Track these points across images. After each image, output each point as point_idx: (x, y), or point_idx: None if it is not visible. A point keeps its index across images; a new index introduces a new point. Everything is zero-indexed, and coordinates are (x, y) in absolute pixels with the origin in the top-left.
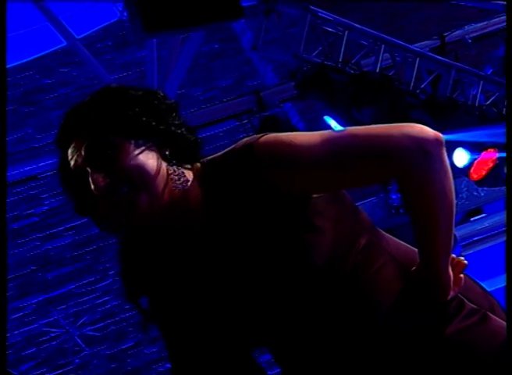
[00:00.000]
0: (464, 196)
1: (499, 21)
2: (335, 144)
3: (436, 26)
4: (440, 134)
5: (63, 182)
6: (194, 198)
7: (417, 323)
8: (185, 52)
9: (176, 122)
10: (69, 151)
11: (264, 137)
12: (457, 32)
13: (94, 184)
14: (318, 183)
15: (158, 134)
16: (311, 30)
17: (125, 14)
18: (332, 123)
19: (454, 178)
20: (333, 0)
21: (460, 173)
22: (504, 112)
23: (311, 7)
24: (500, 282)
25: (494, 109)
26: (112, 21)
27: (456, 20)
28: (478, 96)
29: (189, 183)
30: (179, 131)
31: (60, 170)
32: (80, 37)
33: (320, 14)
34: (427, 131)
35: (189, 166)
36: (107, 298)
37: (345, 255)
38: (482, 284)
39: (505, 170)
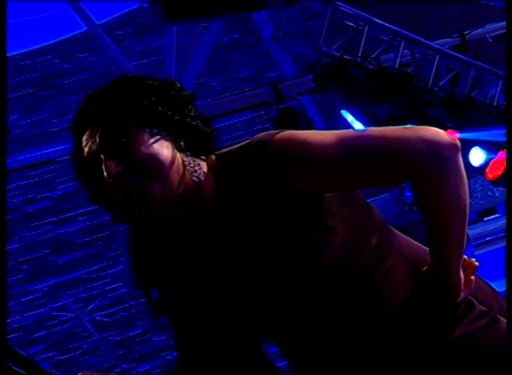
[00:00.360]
0: (479, 195)
1: None
2: (349, 145)
3: (457, 24)
4: (456, 139)
5: (76, 169)
6: (207, 191)
7: (426, 323)
8: (204, 42)
9: (192, 113)
10: (84, 138)
11: (280, 133)
12: (478, 30)
13: (106, 171)
14: (332, 183)
15: (173, 124)
16: (332, 24)
17: (146, 1)
18: (349, 117)
19: (469, 177)
20: None
21: (476, 172)
22: None
23: (335, 1)
24: None
25: None
26: (133, 8)
27: (478, 19)
28: (497, 95)
29: (205, 175)
30: (195, 123)
31: (73, 157)
32: (100, 22)
33: (341, 8)
34: (442, 135)
35: (203, 158)
36: (117, 285)
37: (356, 254)
38: (493, 285)
39: None
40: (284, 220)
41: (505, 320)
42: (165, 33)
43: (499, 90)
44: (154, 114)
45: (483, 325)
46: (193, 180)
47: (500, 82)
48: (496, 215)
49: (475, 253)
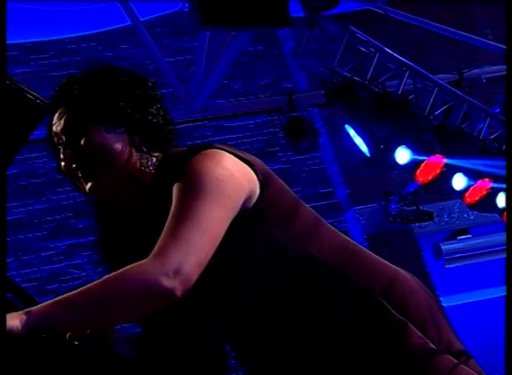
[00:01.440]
0: (455, 216)
1: None
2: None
3: (457, 62)
4: (173, 292)
5: (48, 138)
6: (147, 180)
7: (327, 327)
8: (232, 48)
9: (154, 111)
10: (55, 116)
11: (200, 158)
12: (475, 71)
13: (63, 156)
14: None
15: (132, 122)
16: (346, 47)
17: (186, 6)
18: (352, 132)
19: (450, 199)
20: (370, 23)
21: (456, 195)
22: (504, 148)
23: (350, 27)
24: (479, 296)
25: (495, 144)
26: (173, 10)
27: (476, 60)
28: (483, 130)
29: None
30: (155, 120)
31: (48, 128)
32: (143, 19)
33: (357, 34)
34: (166, 284)
35: (157, 153)
36: None
37: (260, 265)
38: (461, 296)
39: (496, 200)
40: None
41: (416, 332)
42: (198, 36)
43: (485, 125)
44: (115, 111)
45: (394, 337)
46: (141, 172)
47: (488, 119)
48: (469, 235)
49: (446, 266)
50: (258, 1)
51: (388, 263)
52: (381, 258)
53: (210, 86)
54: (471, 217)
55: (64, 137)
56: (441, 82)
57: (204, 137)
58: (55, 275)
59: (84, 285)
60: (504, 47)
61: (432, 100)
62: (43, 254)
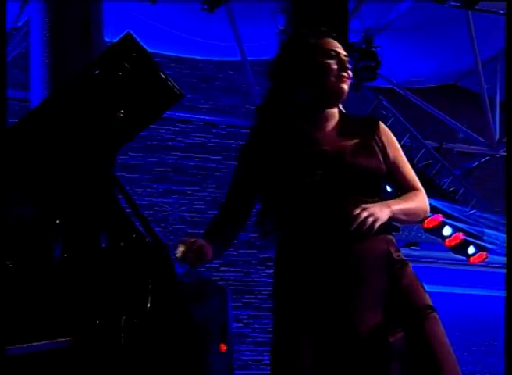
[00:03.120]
0: (413, 233)
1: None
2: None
3: (441, 136)
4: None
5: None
6: (333, 116)
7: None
8: None
9: None
10: (339, 44)
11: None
12: (450, 144)
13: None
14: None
15: None
16: (374, 108)
17: None
18: None
19: (414, 222)
20: (392, 97)
21: (419, 221)
22: (457, 198)
23: (380, 96)
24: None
25: (452, 194)
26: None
27: (453, 138)
28: (446, 184)
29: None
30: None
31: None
32: (249, 58)
33: (382, 102)
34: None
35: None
36: (200, 203)
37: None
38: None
39: (443, 229)
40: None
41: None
42: None
43: (449, 181)
44: None
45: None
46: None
47: (451, 177)
48: (417, 248)
49: None
50: None
51: None
52: None
53: None
54: (423, 236)
55: (346, 58)
56: (427, 146)
57: None
58: (152, 205)
59: (168, 216)
60: (473, 134)
61: (419, 156)
62: (147, 190)
